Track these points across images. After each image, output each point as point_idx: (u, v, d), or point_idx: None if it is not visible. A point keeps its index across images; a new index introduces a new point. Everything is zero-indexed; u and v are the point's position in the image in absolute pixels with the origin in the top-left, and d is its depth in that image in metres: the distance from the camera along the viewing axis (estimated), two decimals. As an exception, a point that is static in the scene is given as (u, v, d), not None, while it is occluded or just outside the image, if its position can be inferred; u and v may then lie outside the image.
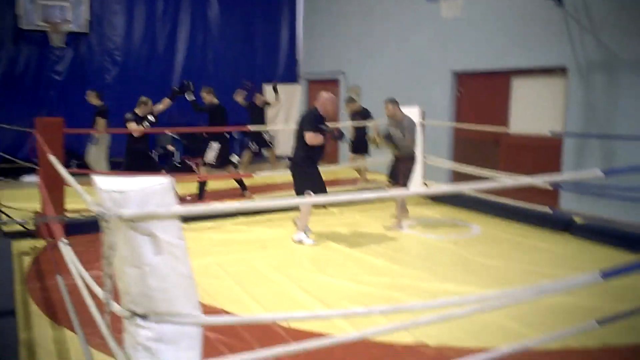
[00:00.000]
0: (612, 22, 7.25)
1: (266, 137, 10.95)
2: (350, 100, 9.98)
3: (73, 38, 11.75)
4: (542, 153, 8.29)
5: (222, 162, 8.50)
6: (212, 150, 8.37)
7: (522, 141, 8.57)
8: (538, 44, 8.22)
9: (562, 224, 6.82)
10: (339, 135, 6.50)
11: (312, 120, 6.25)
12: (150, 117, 8.01)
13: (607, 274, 3.41)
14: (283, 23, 14.35)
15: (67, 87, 11.71)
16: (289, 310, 4.37)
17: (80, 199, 2.83)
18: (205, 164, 8.53)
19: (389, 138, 6.91)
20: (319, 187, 6.24)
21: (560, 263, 5.67)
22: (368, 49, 11.91)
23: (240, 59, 13.61)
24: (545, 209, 7.13)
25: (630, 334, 3.87)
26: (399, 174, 7.00)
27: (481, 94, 9.42)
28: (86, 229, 5.14)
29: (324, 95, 6.36)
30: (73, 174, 3.54)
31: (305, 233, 6.40)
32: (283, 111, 13.64)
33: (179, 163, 11.27)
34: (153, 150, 9.76)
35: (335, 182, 9.52)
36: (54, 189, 6.13)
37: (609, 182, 6.43)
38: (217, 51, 13.40)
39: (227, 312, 4.35)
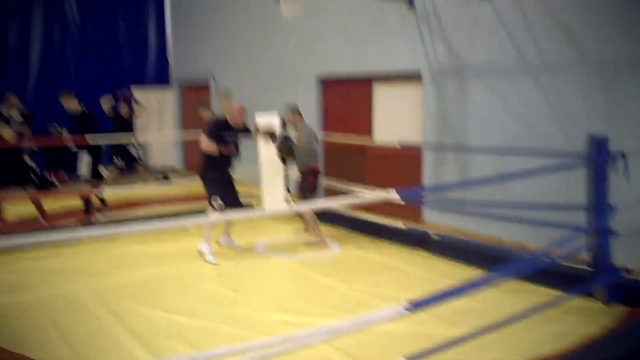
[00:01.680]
0: (462, 28, 7.09)
1: (133, 151, 9.86)
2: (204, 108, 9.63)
3: None
4: (405, 163, 8.08)
5: (93, 175, 7.97)
6: (84, 163, 7.81)
7: (386, 151, 8.29)
8: (394, 47, 7.97)
9: (417, 241, 6.62)
10: (234, 150, 6.26)
11: (215, 127, 6.12)
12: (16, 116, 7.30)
13: (416, 305, 3.18)
14: (150, 21, 13.54)
15: None
16: (97, 355, 4.05)
17: None
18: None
19: (284, 146, 6.58)
20: (222, 191, 6.13)
21: (407, 283, 5.50)
22: (233, 53, 11.44)
23: (104, 60, 12.77)
24: (401, 225, 6.99)
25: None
26: (300, 189, 6.82)
27: (345, 100, 9.12)
28: None
29: (235, 106, 6.30)
30: None
31: (209, 246, 6.18)
32: (156, 118, 12.89)
33: (39, 179, 9.95)
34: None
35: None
36: None
37: (468, 196, 6.34)
38: (78, 53, 12.49)
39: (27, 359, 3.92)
